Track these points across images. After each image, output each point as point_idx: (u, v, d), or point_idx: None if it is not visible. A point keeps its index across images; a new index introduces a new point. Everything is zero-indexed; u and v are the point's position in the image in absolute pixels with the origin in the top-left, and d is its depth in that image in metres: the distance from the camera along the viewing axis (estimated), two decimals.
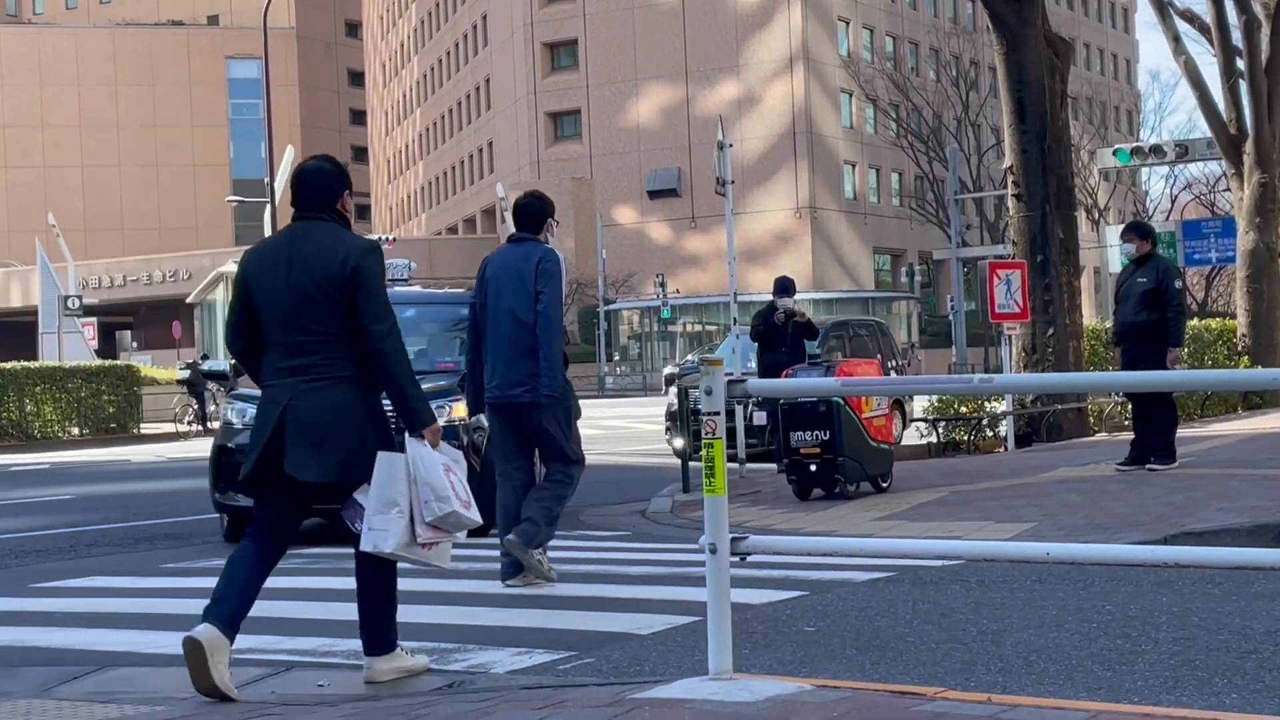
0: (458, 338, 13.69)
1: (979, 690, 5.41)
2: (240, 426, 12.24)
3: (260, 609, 8.53)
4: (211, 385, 37.29)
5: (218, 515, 12.93)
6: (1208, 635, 6.64)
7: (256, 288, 6.27)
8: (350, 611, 8.27)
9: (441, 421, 11.78)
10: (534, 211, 9.16)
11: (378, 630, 6.31)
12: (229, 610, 5.98)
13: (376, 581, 6.30)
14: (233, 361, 13.75)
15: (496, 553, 10.82)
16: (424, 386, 12.26)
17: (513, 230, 9.34)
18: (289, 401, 6.08)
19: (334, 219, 6.33)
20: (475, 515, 6.15)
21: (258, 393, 12.45)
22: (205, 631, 5.87)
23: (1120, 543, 9.62)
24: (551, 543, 11.90)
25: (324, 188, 6.36)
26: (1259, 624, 6.85)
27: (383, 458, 6.04)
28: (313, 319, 6.10)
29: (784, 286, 18.07)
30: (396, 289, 14.27)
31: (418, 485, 6.02)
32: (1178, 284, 14.14)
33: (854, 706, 4.72)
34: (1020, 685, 5.74)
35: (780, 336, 17.54)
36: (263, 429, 6.14)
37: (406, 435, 6.12)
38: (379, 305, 6.09)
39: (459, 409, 12.05)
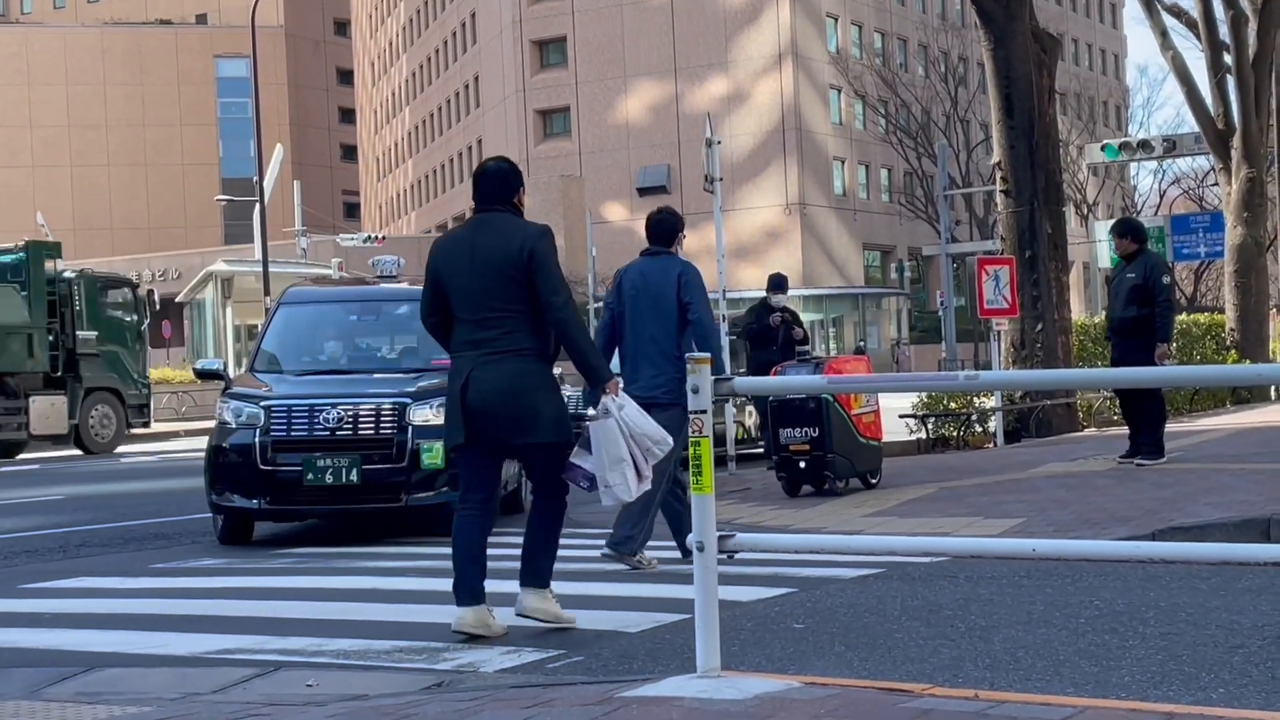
0: None
1: (966, 686, 5.42)
2: (235, 426, 12.13)
3: (248, 609, 8.55)
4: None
5: (211, 516, 12.73)
6: (1195, 630, 6.66)
7: (445, 272, 7.14)
8: (339, 611, 8.28)
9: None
10: (667, 227, 9.90)
11: (539, 565, 7.25)
12: (474, 583, 7.08)
13: (552, 521, 7.36)
14: (224, 360, 13.53)
15: (488, 551, 10.80)
16: (426, 384, 12.04)
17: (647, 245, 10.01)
18: (470, 371, 7.00)
19: (511, 210, 7.19)
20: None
21: (253, 390, 12.24)
22: (468, 615, 7.02)
23: (1108, 538, 9.64)
24: None
25: (505, 183, 7.21)
26: (1246, 619, 6.87)
27: (594, 427, 7.09)
28: (494, 297, 6.97)
29: (777, 283, 18.11)
30: (386, 286, 14.19)
31: (635, 438, 7.11)
32: (1166, 279, 14.18)
33: (842, 704, 4.73)
34: (1008, 681, 5.75)
35: (772, 335, 17.60)
36: (453, 395, 7.07)
37: (604, 400, 7.11)
38: (555, 281, 6.98)
39: None
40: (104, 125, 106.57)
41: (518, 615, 7.23)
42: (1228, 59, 29.58)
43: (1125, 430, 15.39)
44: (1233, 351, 27.01)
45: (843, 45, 78.73)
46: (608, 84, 78.89)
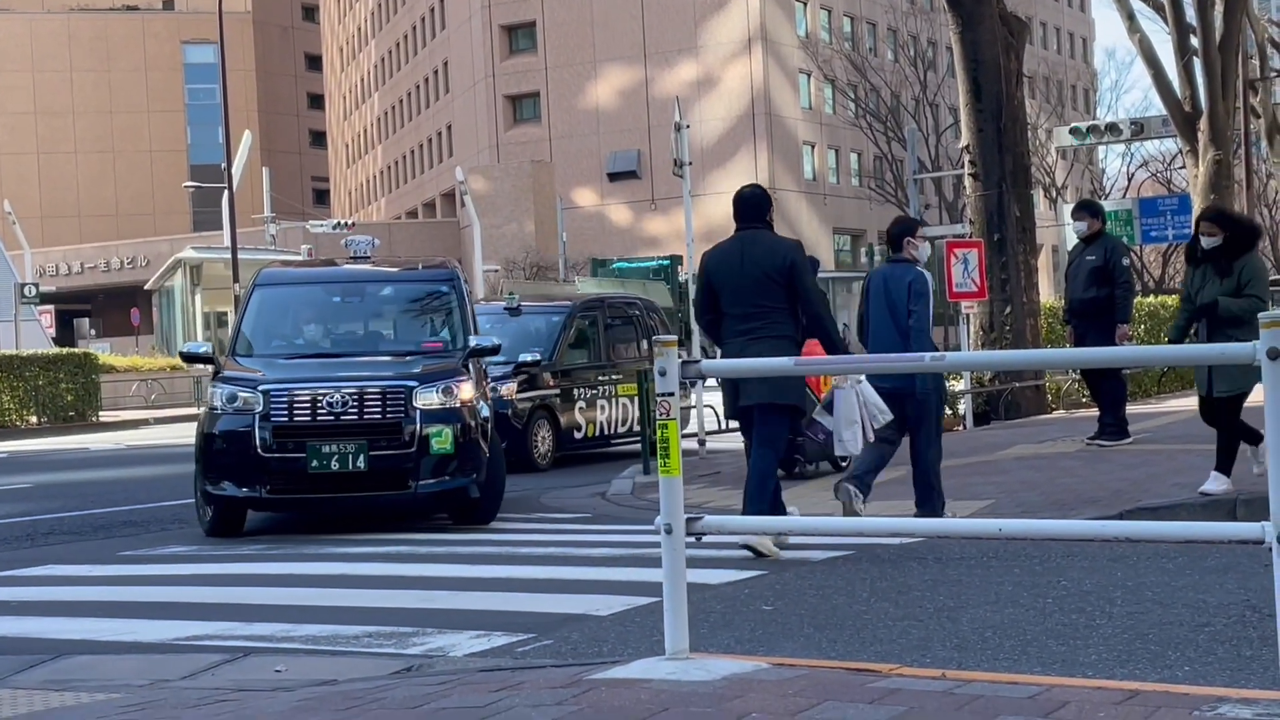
0: (432, 317, 13.18)
1: (934, 666, 5.44)
2: (230, 411, 11.54)
3: (217, 595, 8.54)
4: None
5: (196, 506, 12.07)
6: (1161, 609, 6.69)
7: (717, 276, 9.38)
8: (308, 597, 8.27)
9: (456, 401, 11.61)
10: (895, 234, 10.98)
11: (756, 508, 9.00)
12: (763, 506, 8.98)
13: (769, 467, 9.25)
14: (210, 344, 12.97)
15: (457, 536, 10.91)
16: (429, 366, 11.96)
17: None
18: (738, 353, 9.10)
19: (766, 226, 9.54)
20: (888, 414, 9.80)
21: (248, 374, 11.68)
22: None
23: (1076, 519, 9.68)
24: (511, 525, 11.95)
25: (759, 206, 9.57)
26: (1212, 598, 6.91)
27: (837, 394, 9.65)
28: (759, 296, 9.18)
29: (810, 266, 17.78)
30: (365, 268, 13.57)
31: (867, 406, 9.64)
32: (1125, 261, 14.21)
33: (810, 684, 4.75)
34: (976, 661, 5.77)
35: None
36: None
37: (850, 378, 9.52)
38: (808, 283, 9.32)
39: (465, 390, 11.70)
40: (71, 112, 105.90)
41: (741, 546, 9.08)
42: (1195, 42, 29.70)
43: (1093, 412, 15.45)
44: None
45: (812, 29, 78.74)
46: (577, 69, 78.75)
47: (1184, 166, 39.13)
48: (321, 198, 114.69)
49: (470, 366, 12.12)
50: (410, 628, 7.11)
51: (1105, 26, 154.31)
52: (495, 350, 12.53)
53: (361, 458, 11.30)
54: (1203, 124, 28.84)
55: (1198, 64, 29.33)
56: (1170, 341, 11.78)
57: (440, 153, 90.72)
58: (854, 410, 9.55)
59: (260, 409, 11.40)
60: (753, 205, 9.51)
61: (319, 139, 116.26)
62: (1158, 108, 38.98)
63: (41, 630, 7.62)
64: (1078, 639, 6.13)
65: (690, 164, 17.85)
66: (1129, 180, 75.40)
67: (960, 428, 19.59)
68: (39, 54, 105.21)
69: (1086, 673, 5.39)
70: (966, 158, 21.13)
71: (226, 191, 49.35)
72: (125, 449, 26.59)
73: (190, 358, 12.61)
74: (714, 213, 73.26)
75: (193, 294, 57.35)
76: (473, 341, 12.29)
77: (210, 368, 12.77)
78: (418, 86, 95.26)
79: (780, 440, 9.50)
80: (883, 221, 79.28)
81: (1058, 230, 57.92)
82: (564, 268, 68.17)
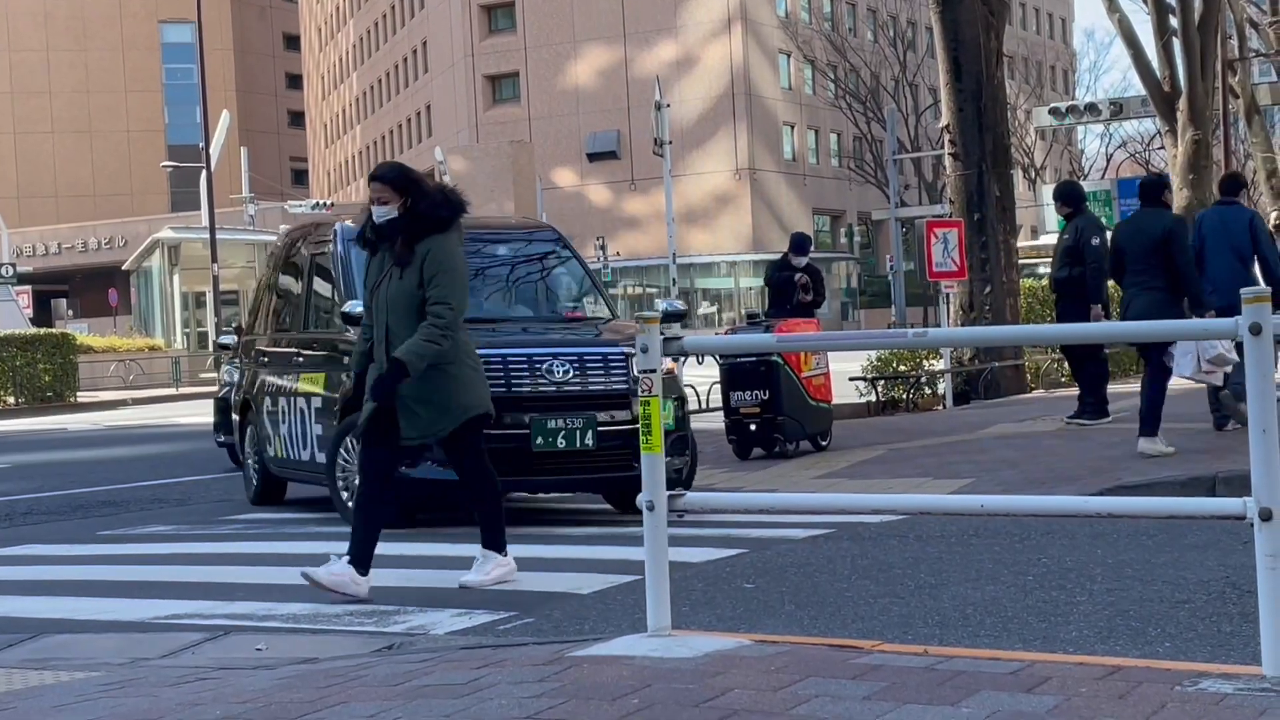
0: (565, 280, 11.83)
1: (916, 643, 5.45)
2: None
3: (198, 574, 8.51)
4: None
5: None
6: (1142, 586, 6.71)
7: (1123, 244, 12.31)
8: (289, 576, 8.25)
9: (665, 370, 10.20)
10: (1228, 183, 13.64)
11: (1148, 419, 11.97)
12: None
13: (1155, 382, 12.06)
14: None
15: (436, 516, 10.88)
16: (614, 334, 10.55)
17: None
18: (1130, 303, 12.09)
19: (1161, 205, 12.40)
20: (1234, 356, 11.57)
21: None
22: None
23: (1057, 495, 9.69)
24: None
25: (1158, 189, 12.57)
26: (1192, 574, 6.93)
27: None
28: (1150, 256, 11.97)
29: (798, 244, 17.56)
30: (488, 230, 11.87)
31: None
32: (1095, 240, 14.28)
33: (792, 660, 4.74)
34: (957, 637, 5.78)
35: (791, 290, 17.14)
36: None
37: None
38: (1183, 245, 11.98)
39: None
40: (48, 92, 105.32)
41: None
42: (1174, 22, 29.71)
43: (1073, 391, 15.50)
44: None
45: (792, 9, 78.67)
46: (557, 49, 78.59)
47: (1163, 147, 39.20)
48: (300, 178, 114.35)
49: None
50: (391, 606, 7.10)
51: (1084, 6, 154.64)
52: (684, 315, 11.43)
53: (590, 434, 9.94)
54: (1182, 104, 28.88)
55: (1177, 44, 29.36)
56: None
57: (419, 133, 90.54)
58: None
59: None
60: (1155, 189, 12.53)
61: (297, 119, 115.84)
62: (1136, 88, 39.07)
63: (20, 610, 7.60)
64: (1059, 615, 6.14)
65: (670, 143, 17.82)
66: (1108, 161, 75.54)
67: (940, 407, 19.62)
68: (15, 33, 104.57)
69: (1068, 649, 5.40)
70: (947, 137, 21.14)
71: (205, 171, 49.16)
72: (103, 429, 26.52)
73: (351, 319, 10.19)
74: (693, 192, 73.26)
75: (171, 274, 57.15)
76: (662, 305, 11.03)
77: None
78: (396, 66, 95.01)
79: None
80: (862, 202, 79.45)
81: (1036, 211, 58.01)
82: None
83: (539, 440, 9.85)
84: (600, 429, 9.95)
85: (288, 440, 11.41)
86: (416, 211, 7.49)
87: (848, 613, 6.44)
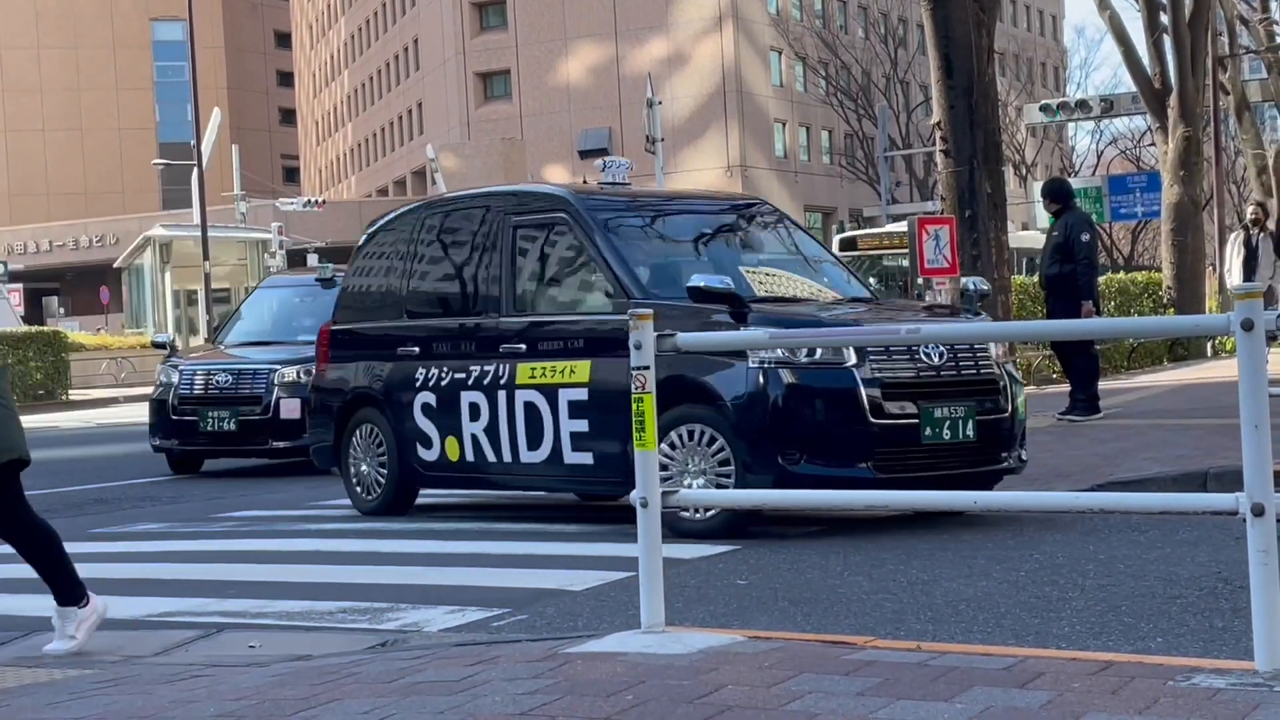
0: (802, 255, 10.66)
1: (909, 639, 5.45)
2: (802, 365, 8.88)
3: (190, 572, 8.51)
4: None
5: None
6: (1134, 582, 6.72)
7: None
8: (282, 573, 8.25)
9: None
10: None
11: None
12: None
13: None
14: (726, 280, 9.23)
15: (432, 512, 10.86)
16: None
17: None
18: None
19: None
20: None
21: (788, 314, 9.29)
22: None
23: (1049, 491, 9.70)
24: (483, 501, 11.91)
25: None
26: (1184, 570, 6.94)
27: None
28: None
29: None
30: (689, 194, 11.22)
31: None
32: (1084, 237, 14.29)
33: (785, 656, 4.75)
34: (949, 633, 5.79)
35: None
36: None
37: None
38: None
39: None
40: (39, 90, 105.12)
41: None
42: (1164, 19, 29.72)
43: (1064, 388, 15.51)
44: (1170, 309, 27.23)
45: (783, 7, 78.64)
46: (548, 46, 78.51)
47: (1153, 144, 39.19)
48: (291, 175, 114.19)
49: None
50: (385, 603, 7.10)
51: (1075, 4, 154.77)
52: (986, 295, 10.53)
53: (970, 424, 8.94)
54: (1172, 101, 28.88)
55: (1167, 41, 29.36)
56: None
57: (411, 130, 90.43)
58: None
59: (852, 360, 8.77)
60: None
61: (289, 117, 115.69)
62: (1127, 85, 39.10)
63: (13, 608, 7.60)
64: (1051, 611, 6.15)
65: (662, 140, 17.81)
66: (1099, 158, 75.59)
67: None
68: (6, 31, 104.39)
69: (1060, 644, 5.41)
70: (938, 134, 21.11)
71: (196, 169, 49.09)
72: (95, 427, 26.47)
73: (701, 294, 9.06)
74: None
75: (162, 272, 57.10)
76: (966, 283, 10.29)
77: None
78: (388, 64, 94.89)
79: None
80: (854, 199, 79.46)
81: (1027, 208, 58.02)
82: None
83: (928, 430, 8.79)
84: (980, 419, 9.02)
85: (487, 440, 9.90)
86: None
87: (841, 609, 6.45)
